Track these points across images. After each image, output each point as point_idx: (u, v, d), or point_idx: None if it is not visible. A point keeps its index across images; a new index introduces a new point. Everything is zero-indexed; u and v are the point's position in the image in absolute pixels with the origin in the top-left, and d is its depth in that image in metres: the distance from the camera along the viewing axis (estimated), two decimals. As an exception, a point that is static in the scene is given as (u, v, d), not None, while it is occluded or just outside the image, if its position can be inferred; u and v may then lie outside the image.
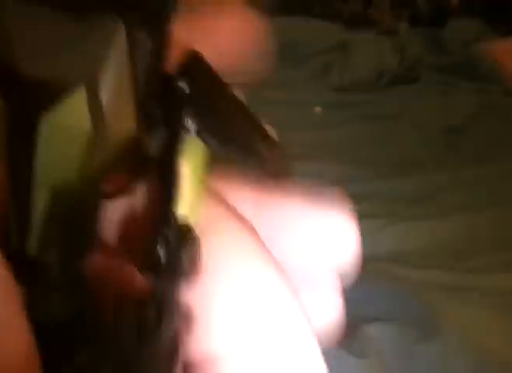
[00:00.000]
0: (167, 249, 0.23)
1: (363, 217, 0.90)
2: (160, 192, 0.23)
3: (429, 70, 1.31)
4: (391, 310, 0.70)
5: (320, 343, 0.27)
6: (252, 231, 0.26)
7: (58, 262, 0.21)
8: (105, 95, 0.19)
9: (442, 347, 0.66)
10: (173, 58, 0.23)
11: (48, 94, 0.18)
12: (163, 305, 0.22)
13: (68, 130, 0.18)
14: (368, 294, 0.73)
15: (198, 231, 0.23)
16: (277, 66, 1.28)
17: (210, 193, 0.25)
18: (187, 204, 0.23)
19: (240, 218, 0.26)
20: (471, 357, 0.65)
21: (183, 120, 0.24)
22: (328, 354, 0.63)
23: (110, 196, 0.22)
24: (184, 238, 0.22)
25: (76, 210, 0.21)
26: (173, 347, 0.22)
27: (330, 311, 0.25)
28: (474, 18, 1.42)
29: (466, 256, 0.82)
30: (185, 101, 0.24)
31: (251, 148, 0.26)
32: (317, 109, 1.17)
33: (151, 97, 0.22)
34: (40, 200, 0.19)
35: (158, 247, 0.22)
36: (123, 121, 0.20)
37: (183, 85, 0.23)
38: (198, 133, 0.24)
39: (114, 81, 0.19)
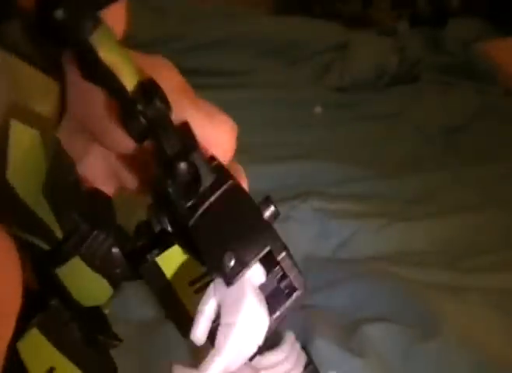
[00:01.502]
0: None
1: (363, 217, 0.91)
2: None
3: (429, 70, 1.31)
4: (390, 310, 0.70)
5: None
6: None
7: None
8: None
9: (442, 347, 0.66)
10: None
11: None
12: None
13: None
14: (368, 294, 0.74)
15: None
16: (277, 66, 1.28)
17: None
18: None
19: None
20: (470, 357, 0.65)
21: None
22: (329, 353, 0.64)
23: None
24: None
25: None
26: None
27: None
28: (474, 18, 1.42)
29: (466, 255, 0.82)
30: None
31: None
32: (317, 108, 1.18)
33: None
34: None
35: None
36: None
37: None
38: None
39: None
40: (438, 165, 1.05)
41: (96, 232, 0.24)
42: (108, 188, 0.27)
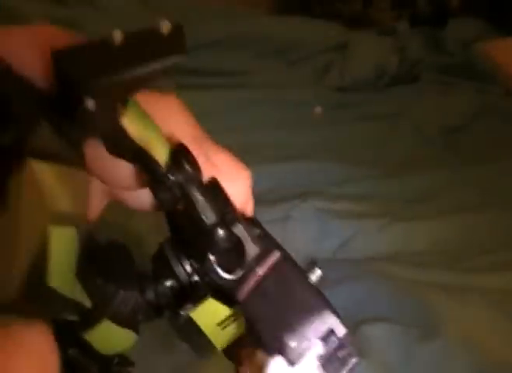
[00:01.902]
0: None
1: (364, 217, 0.91)
2: None
3: (429, 70, 1.31)
4: (391, 310, 0.70)
5: None
6: None
7: None
8: None
9: (442, 347, 0.66)
10: None
11: None
12: None
13: None
14: (368, 294, 0.74)
15: None
16: (277, 66, 1.28)
17: None
18: None
19: None
20: (471, 357, 0.65)
21: None
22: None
23: None
24: None
25: None
26: None
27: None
28: (474, 18, 1.42)
29: (466, 256, 0.82)
30: None
31: None
32: (317, 108, 1.18)
33: None
34: None
35: None
36: None
37: None
38: None
39: None
40: (438, 165, 1.04)
41: (121, 292, 0.23)
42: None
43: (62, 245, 0.20)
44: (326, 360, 0.23)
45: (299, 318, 0.23)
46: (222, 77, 1.15)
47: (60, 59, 0.18)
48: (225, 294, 0.23)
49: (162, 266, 0.25)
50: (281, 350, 0.22)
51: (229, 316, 0.25)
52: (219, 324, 0.25)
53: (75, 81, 0.18)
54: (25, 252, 0.18)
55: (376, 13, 1.51)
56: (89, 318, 0.23)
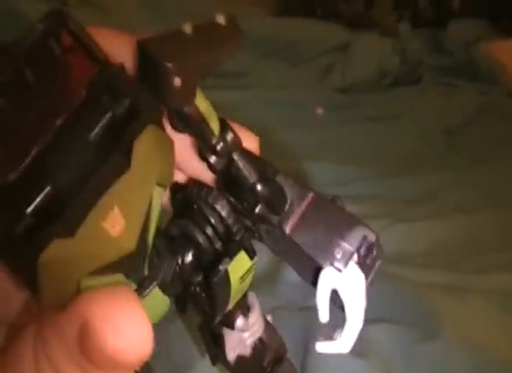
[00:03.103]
0: None
1: (364, 218, 0.91)
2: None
3: (430, 71, 1.31)
4: (391, 310, 0.70)
5: None
6: None
7: None
8: None
9: (443, 348, 0.66)
10: None
11: None
12: None
13: None
14: (369, 295, 0.74)
15: None
16: (279, 67, 1.28)
17: None
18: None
19: None
20: (471, 358, 0.65)
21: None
22: (330, 354, 0.64)
23: None
24: None
25: None
26: None
27: None
28: (475, 19, 1.42)
29: (467, 256, 0.82)
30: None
31: None
32: (319, 109, 1.18)
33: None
34: None
35: None
36: None
37: None
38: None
39: None
40: (439, 166, 1.05)
41: (166, 263, 0.26)
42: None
43: (157, 206, 0.22)
44: (362, 263, 0.29)
45: (340, 234, 0.28)
46: (224, 78, 1.15)
47: (147, 46, 0.21)
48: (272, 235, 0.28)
49: (196, 225, 0.28)
50: (330, 261, 0.28)
51: (249, 269, 0.28)
52: (241, 277, 0.28)
53: (163, 64, 0.21)
54: (140, 208, 0.21)
55: (378, 14, 1.51)
56: (143, 287, 0.25)
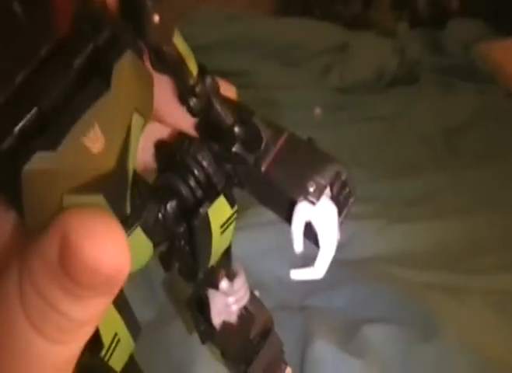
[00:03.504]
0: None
1: (363, 219, 0.91)
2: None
3: (428, 71, 1.31)
4: (390, 311, 0.70)
5: None
6: None
7: None
8: None
9: (441, 347, 0.66)
10: None
11: None
12: None
13: None
14: (368, 295, 0.74)
15: None
16: (278, 67, 1.28)
17: None
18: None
19: None
20: (470, 357, 0.65)
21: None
22: (328, 354, 0.64)
23: None
24: None
25: None
26: None
27: None
28: (474, 19, 1.42)
29: (465, 257, 0.82)
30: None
31: None
32: (317, 110, 1.18)
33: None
34: None
35: None
36: None
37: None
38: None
39: None
40: (437, 167, 1.05)
41: (148, 206, 0.27)
42: None
43: (136, 134, 0.23)
44: (335, 199, 0.30)
45: (313, 169, 0.29)
46: (223, 78, 1.15)
47: None
48: (249, 175, 0.29)
49: (180, 170, 0.29)
50: (304, 195, 0.29)
51: (229, 218, 0.30)
52: (221, 225, 0.29)
53: (143, 1, 0.22)
54: (120, 128, 0.22)
55: (376, 15, 1.52)
56: (127, 225, 0.25)
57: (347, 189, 0.30)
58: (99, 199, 0.21)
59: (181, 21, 1.25)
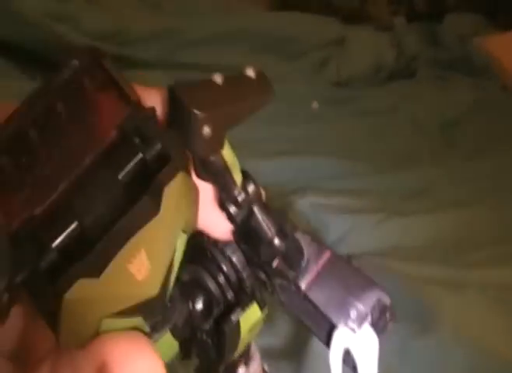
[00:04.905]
0: None
1: (360, 212, 0.91)
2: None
3: (426, 65, 1.31)
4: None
5: None
6: None
7: None
8: None
9: (438, 342, 0.66)
10: None
11: None
12: None
13: None
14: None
15: None
16: (275, 61, 1.28)
17: None
18: None
19: None
20: (466, 350, 0.65)
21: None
22: (325, 349, 0.64)
23: None
24: None
25: None
26: None
27: None
28: (471, 13, 1.42)
29: (463, 250, 0.83)
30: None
31: None
32: (314, 103, 1.18)
33: None
34: None
35: None
36: None
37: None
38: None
39: None
40: (435, 160, 1.05)
41: (178, 308, 0.25)
42: None
43: (180, 252, 0.22)
44: (375, 325, 0.30)
45: (355, 295, 0.29)
46: (220, 72, 1.15)
47: (178, 93, 0.21)
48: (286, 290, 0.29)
49: (209, 276, 0.27)
50: (344, 321, 0.28)
51: (258, 320, 0.29)
52: (250, 329, 0.28)
53: (193, 112, 0.21)
54: (166, 254, 0.21)
55: (374, 9, 1.51)
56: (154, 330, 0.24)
57: (387, 316, 0.30)
58: (139, 320, 0.20)
59: (179, 15, 1.25)
